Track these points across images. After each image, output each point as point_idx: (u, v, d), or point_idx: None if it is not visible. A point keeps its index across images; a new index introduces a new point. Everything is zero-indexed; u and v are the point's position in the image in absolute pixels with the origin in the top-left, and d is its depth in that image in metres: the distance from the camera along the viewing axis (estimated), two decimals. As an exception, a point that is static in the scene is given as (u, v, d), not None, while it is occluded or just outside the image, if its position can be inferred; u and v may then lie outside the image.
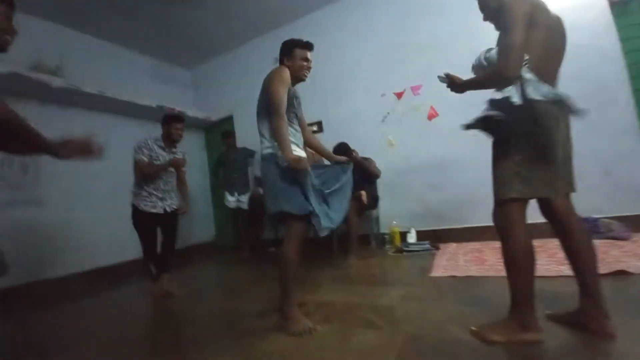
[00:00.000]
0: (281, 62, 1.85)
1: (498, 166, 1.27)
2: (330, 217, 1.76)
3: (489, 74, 1.30)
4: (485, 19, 1.41)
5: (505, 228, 1.25)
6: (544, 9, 1.22)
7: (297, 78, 1.85)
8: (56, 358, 1.72)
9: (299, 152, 1.79)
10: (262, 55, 4.70)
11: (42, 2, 3.30)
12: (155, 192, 2.71)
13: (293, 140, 1.75)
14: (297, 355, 1.39)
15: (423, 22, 3.60)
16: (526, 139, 1.18)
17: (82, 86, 3.37)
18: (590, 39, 2.85)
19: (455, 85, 1.41)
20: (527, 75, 1.14)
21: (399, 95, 3.71)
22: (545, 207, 1.32)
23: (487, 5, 1.36)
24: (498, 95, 1.21)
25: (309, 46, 1.85)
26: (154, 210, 2.69)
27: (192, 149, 4.85)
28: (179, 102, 4.77)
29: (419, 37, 3.61)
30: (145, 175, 2.65)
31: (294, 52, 1.81)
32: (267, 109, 1.72)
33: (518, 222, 1.23)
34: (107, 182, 3.73)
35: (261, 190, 4.06)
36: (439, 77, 1.48)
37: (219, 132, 4.88)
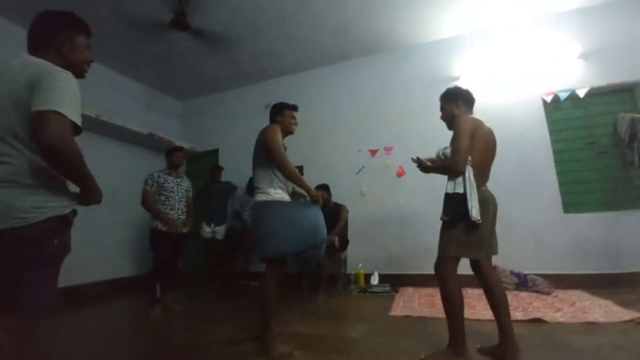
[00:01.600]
0: (273, 119, 2.23)
1: (445, 231, 1.73)
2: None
3: (445, 166, 1.80)
4: (442, 118, 1.95)
5: (443, 277, 1.69)
6: (482, 125, 1.76)
7: (287, 132, 2.23)
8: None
9: (285, 196, 2.08)
10: (251, 101, 5.18)
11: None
12: (171, 213, 3.08)
13: (282, 185, 2.06)
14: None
15: (398, 94, 4.27)
16: (466, 216, 1.61)
17: (82, 109, 3.54)
18: (524, 130, 3.59)
19: (423, 167, 1.90)
20: (467, 173, 1.64)
21: (373, 153, 4.25)
22: (475, 265, 1.77)
23: (446, 113, 1.91)
24: (450, 189, 1.69)
25: (295, 108, 2.29)
26: (170, 230, 3.03)
27: (173, 177, 5.02)
28: (167, 130, 5.00)
29: (395, 106, 4.25)
30: (144, 206, 3.06)
31: (284, 112, 2.22)
32: (263, 161, 2.06)
33: (452, 274, 1.68)
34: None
35: (244, 223, 4.30)
36: (412, 159, 1.95)
37: (202, 164, 5.12)
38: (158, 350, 2.13)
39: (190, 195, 3.37)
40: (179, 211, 3.15)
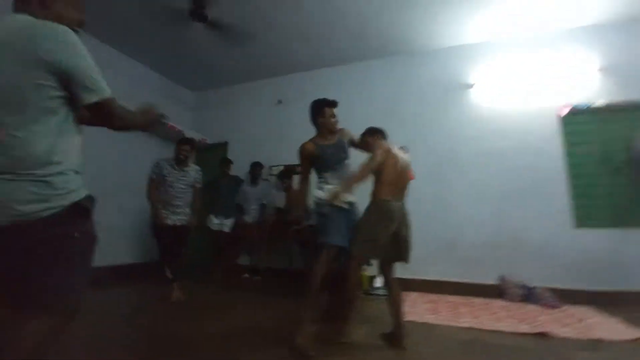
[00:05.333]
0: (315, 120, 2.25)
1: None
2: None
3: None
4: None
5: (348, 272, 2.05)
6: (393, 152, 2.15)
7: (329, 130, 2.23)
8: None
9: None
10: (263, 96, 5.17)
11: None
12: (168, 206, 3.10)
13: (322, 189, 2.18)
14: None
15: (413, 98, 4.25)
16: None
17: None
18: (538, 141, 3.55)
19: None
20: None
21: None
22: (381, 266, 2.16)
23: (365, 141, 2.28)
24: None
25: (335, 104, 2.25)
26: (166, 222, 3.07)
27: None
28: (178, 120, 5.01)
29: (408, 110, 4.21)
30: (148, 192, 3.09)
31: (324, 111, 2.21)
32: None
33: (357, 269, 2.08)
34: (105, 186, 3.87)
35: (245, 218, 4.31)
36: None
37: (212, 155, 5.12)
38: (158, 340, 2.14)
39: (198, 186, 3.30)
40: (176, 206, 3.11)
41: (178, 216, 3.12)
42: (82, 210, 0.95)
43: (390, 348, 1.97)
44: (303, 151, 2.19)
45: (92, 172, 3.82)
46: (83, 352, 1.82)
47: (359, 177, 2.04)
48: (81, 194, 0.96)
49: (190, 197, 3.23)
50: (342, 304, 2.11)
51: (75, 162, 0.98)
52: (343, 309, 2.10)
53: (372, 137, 2.31)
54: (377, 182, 2.11)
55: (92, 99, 0.94)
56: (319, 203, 2.13)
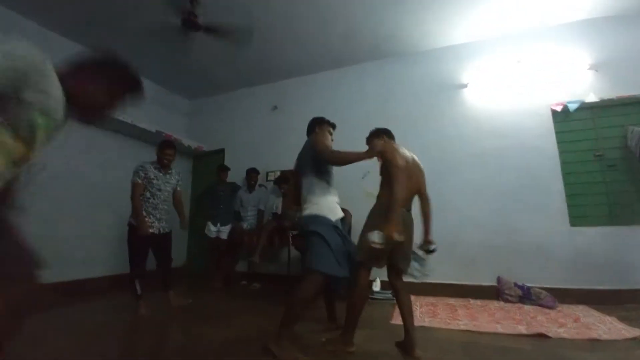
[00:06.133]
0: (312, 130, 2.33)
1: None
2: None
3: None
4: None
5: (353, 280, 1.98)
6: (404, 155, 2.05)
7: None
8: None
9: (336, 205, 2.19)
10: (258, 102, 5.19)
11: (62, 17, 3.54)
12: (153, 213, 2.96)
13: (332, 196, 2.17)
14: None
15: (406, 99, 4.26)
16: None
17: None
18: (532, 140, 3.56)
19: None
20: None
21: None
22: (388, 272, 2.09)
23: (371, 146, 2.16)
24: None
25: (334, 126, 2.41)
26: (151, 230, 2.90)
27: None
28: (174, 128, 5.04)
29: (402, 111, 4.22)
30: (132, 199, 2.90)
31: (323, 125, 2.33)
32: (314, 166, 2.14)
33: (363, 277, 1.97)
34: (104, 196, 3.94)
35: (244, 225, 4.31)
36: None
37: (208, 162, 5.14)
38: (158, 348, 2.15)
39: (179, 189, 3.22)
40: (162, 211, 3.02)
41: (162, 223, 3.02)
42: None
43: (404, 357, 1.90)
44: (321, 134, 2.25)
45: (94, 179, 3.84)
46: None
47: (399, 197, 1.81)
48: None
49: (168, 205, 3.12)
50: (347, 310, 1.99)
51: None
52: (348, 316, 1.98)
53: (379, 139, 2.19)
54: (385, 186, 1.98)
55: None
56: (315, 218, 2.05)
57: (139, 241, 2.89)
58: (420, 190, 2.12)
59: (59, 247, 3.47)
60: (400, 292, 2.04)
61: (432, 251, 2.13)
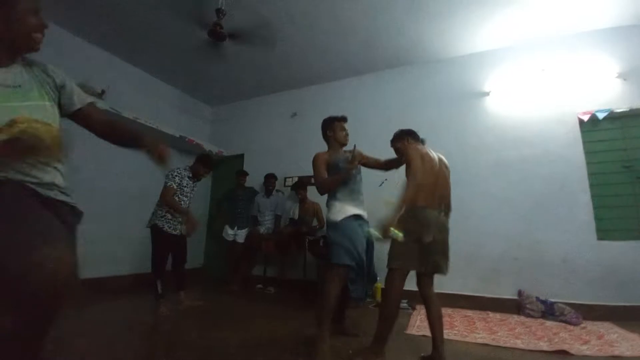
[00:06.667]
0: (325, 134, 2.32)
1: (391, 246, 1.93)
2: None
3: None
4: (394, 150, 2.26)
5: (386, 287, 1.92)
6: (429, 155, 1.98)
7: (341, 144, 2.32)
8: None
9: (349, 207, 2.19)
10: (277, 109, 5.29)
11: (98, 30, 3.76)
12: (177, 216, 3.06)
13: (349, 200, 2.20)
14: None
15: (426, 108, 4.24)
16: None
17: (123, 111, 3.78)
18: (558, 149, 3.45)
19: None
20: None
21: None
22: (418, 279, 1.99)
23: (396, 148, 2.21)
24: None
25: (344, 119, 2.35)
26: (174, 232, 3.03)
27: (199, 178, 5.21)
28: (197, 133, 5.20)
29: (422, 120, 4.16)
30: (166, 202, 2.99)
31: (334, 125, 2.29)
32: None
33: (396, 285, 1.89)
34: (132, 199, 4.11)
35: (261, 229, 4.38)
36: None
37: (228, 167, 5.26)
38: (175, 349, 2.21)
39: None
40: (184, 218, 3.11)
41: (182, 226, 3.12)
42: None
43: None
44: (318, 158, 2.21)
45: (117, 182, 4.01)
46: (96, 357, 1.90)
47: (407, 198, 1.79)
48: None
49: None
50: (380, 319, 1.92)
51: None
52: (381, 325, 1.90)
53: (402, 141, 2.13)
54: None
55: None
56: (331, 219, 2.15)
57: (165, 242, 3.01)
58: (443, 194, 2.02)
59: (87, 246, 3.62)
60: (431, 303, 1.92)
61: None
